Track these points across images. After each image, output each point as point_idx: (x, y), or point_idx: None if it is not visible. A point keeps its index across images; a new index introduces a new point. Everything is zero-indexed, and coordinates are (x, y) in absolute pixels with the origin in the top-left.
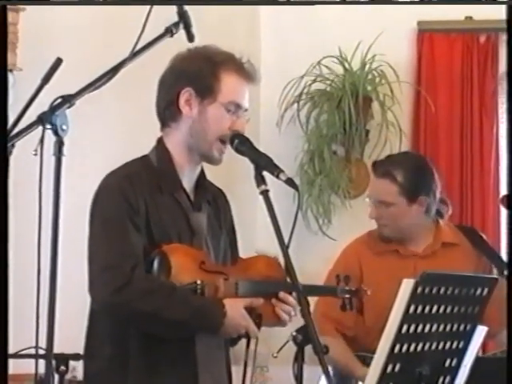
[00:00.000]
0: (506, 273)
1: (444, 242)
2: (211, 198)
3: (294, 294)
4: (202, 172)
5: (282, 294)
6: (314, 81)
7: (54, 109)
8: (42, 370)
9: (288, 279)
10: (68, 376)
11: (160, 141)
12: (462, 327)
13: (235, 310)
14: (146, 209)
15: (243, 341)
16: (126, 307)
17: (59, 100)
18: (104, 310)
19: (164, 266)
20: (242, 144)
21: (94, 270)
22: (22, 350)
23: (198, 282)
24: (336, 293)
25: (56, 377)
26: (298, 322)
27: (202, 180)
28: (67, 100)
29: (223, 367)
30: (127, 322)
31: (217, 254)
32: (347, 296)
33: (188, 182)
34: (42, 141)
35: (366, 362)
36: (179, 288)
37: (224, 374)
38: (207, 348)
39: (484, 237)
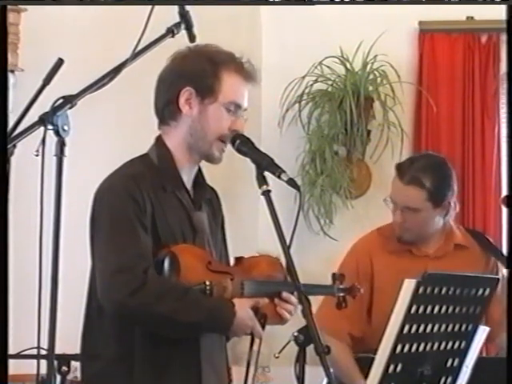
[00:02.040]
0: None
1: (456, 243)
2: (208, 197)
3: (295, 293)
4: (200, 171)
5: (285, 294)
6: (316, 81)
7: (55, 109)
8: (43, 370)
9: (289, 279)
10: (70, 376)
11: (159, 139)
12: (463, 327)
13: (243, 310)
14: (151, 208)
15: (244, 340)
16: (140, 310)
17: (61, 100)
18: (118, 313)
19: (174, 267)
20: (244, 144)
21: (105, 273)
22: (24, 350)
23: (207, 282)
24: (333, 291)
25: (58, 377)
26: (300, 322)
27: (200, 179)
28: (69, 100)
29: (224, 366)
30: (141, 324)
31: (216, 253)
32: (342, 294)
33: (187, 180)
34: (43, 141)
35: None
36: (191, 290)
37: (225, 374)
38: (211, 347)
39: (492, 241)
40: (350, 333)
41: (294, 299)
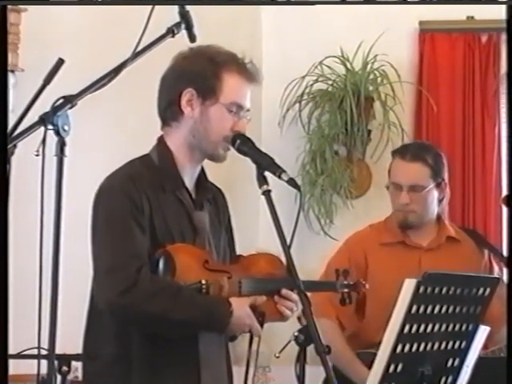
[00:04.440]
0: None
1: (448, 235)
2: (211, 196)
3: (295, 290)
4: (203, 171)
5: (284, 291)
6: (316, 81)
7: (55, 109)
8: (44, 370)
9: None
10: (70, 376)
11: (161, 140)
12: (464, 327)
13: (241, 308)
14: (149, 208)
15: (244, 340)
16: (132, 309)
17: (61, 100)
18: (110, 312)
19: (169, 266)
20: (244, 144)
21: (99, 272)
22: (25, 350)
23: (203, 281)
24: (336, 288)
25: (58, 377)
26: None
27: (202, 179)
28: (69, 100)
29: (224, 365)
30: (134, 323)
31: (218, 253)
32: (346, 290)
33: (189, 180)
34: (43, 141)
35: (368, 359)
36: (185, 288)
37: (225, 373)
38: (209, 346)
39: (486, 239)
40: (337, 316)
41: (294, 296)
